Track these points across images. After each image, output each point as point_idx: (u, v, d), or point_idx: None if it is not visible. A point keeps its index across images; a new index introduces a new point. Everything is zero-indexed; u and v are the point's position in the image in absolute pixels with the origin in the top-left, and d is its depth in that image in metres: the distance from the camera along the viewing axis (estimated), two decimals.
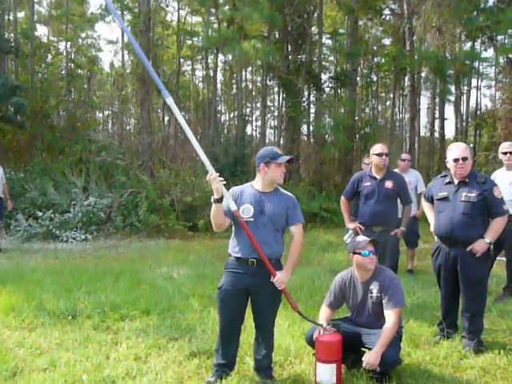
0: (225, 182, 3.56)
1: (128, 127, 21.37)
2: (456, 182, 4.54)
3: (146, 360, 4.24)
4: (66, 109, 19.60)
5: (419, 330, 4.91)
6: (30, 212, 11.96)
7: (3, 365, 4.05)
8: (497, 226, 4.43)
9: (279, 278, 3.62)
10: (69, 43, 23.27)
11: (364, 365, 3.61)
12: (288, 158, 3.74)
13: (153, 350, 4.43)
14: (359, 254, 3.92)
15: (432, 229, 4.85)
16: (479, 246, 4.36)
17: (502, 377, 3.91)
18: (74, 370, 3.97)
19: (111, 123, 22.84)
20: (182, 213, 12.49)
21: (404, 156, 7.75)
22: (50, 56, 22.57)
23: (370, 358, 3.60)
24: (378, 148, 5.65)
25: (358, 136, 20.07)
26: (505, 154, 6.19)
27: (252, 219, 3.65)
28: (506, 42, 20.30)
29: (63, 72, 22.28)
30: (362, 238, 4.06)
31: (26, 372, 3.98)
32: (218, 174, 3.55)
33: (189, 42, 24.66)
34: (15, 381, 3.82)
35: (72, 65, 22.85)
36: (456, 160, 4.46)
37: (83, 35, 25.45)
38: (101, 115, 23.84)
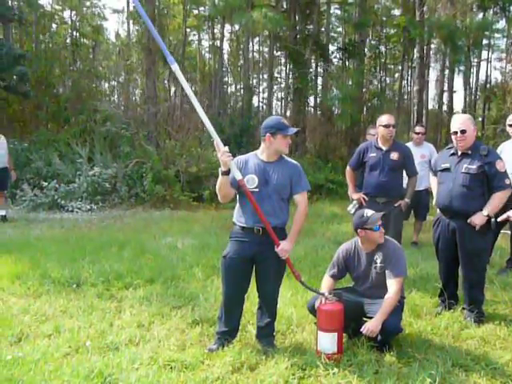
0: (232, 157, 3.55)
1: (134, 98, 21.22)
2: (459, 153, 4.49)
3: (149, 327, 4.29)
4: (71, 79, 19.47)
5: (421, 300, 4.94)
6: (35, 182, 12.02)
7: (9, 331, 4.12)
8: (497, 199, 4.35)
9: (283, 248, 3.62)
10: (73, 12, 23.01)
11: (364, 331, 3.64)
12: (295, 130, 3.72)
13: (156, 318, 4.48)
14: (370, 229, 3.90)
15: (435, 201, 4.82)
16: (477, 219, 4.31)
17: (502, 346, 3.94)
18: (77, 336, 4.03)
19: (117, 93, 22.69)
20: (187, 183, 12.50)
21: (418, 129, 7.58)
22: (54, 25, 22.35)
23: (371, 324, 3.63)
24: (385, 119, 5.57)
25: (365, 108, 19.88)
26: (511, 126, 6.11)
27: (256, 189, 3.64)
28: None
29: (68, 41, 22.09)
30: (370, 212, 3.98)
31: (31, 338, 4.05)
32: (227, 146, 3.54)
33: (195, 12, 24.32)
34: (20, 346, 3.88)
35: (77, 34, 22.63)
36: (455, 133, 4.41)
37: (88, 4, 25.14)
38: (106, 85, 23.69)
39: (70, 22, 22.96)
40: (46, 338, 4.03)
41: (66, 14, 23.84)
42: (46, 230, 8.91)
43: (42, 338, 4.05)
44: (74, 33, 22.45)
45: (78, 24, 23.39)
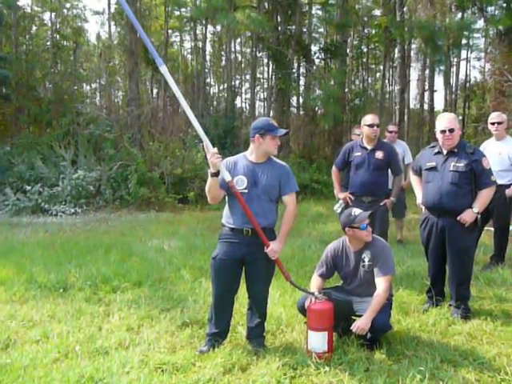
0: (221, 159, 3.56)
1: (116, 100, 21.09)
2: (445, 152, 4.55)
3: (139, 331, 4.27)
4: (53, 81, 19.28)
5: (409, 298, 4.99)
6: (18, 186, 11.90)
7: None
8: (485, 196, 4.45)
9: (273, 248, 3.64)
10: (54, 14, 22.78)
11: (354, 329, 3.66)
12: (284, 131, 3.74)
13: (145, 321, 4.46)
14: (358, 228, 3.93)
15: (419, 201, 4.87)
16: (467, 216, 4.39)
17: (488, 341, 3.99)
18: (66, 341, 4.00)
19: (99, 96, 22.52)
20: (172, 185, 12.48)
21: (391, 127, 7.66)
22: (34, 27, 22.11)
23: (361, 322, 3.66)
24: (369, 119, 5.62)
25: (347, 108, 19.99)
26: (493, 124, 6.20)
27: (246, 190, 3.65)
28: (497, 13, 20.18)
29: (48, 43, 21.87)
30: (358, 211, 4.02)
31: (18, 344, 4.01)
32: (216, 148, 3.55)
33: (177, 13, 24.23)
34: (8, 352, 3.84)
35: (57, 36, 22.42)
36: (443, 131, 4.47)
37: (68, 5, 24.91)
38: (88, 88, 23.50)
39: (50, 24, 22.72)
40: (34, 344, 4.00)
41: (46, 15, 23.62)
42: (30, 234, 8.83)
43: (30, 343, 4.01)
44: (55, 35, 22.23)
45: (58, 26, 23.16)
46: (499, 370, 3.47)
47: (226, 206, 3.82)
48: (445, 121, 4.51)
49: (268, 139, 3.65)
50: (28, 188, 11.36)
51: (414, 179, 5.03)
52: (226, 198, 3.79)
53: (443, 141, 4.49)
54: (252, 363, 3.59)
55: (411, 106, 26.55)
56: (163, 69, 3.55)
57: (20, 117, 16.54)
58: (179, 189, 12.44)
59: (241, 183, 3.65)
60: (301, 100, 21.01)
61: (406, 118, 20.98)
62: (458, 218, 4.40)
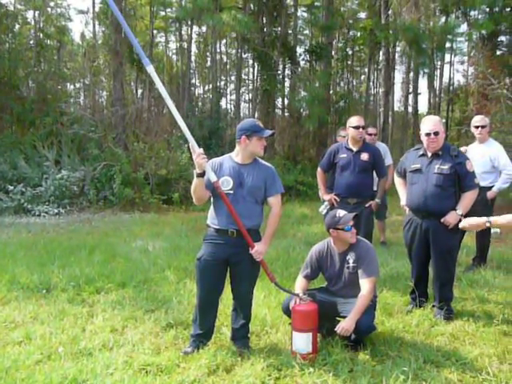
0: (207, 159, 3.55)
1: (100, 100, 20.92)
2: (429, 154, 4.60)
3: (123, 332, 4.25)
4: (36, 80, 19.08)
5: (392, 299, 5.03)
6: (0, 186, 11.74)
7: None
8: (468, 198, 4.51)
9: (257, 250, 3.65)
10: (37, 12, 22.54)
11: (339, 330, 3.68)
12: (270, 132, 3.74)
13: (129, 322, 4.44)
14: (342, 229, 3.95)
15: (402, 203, 4.91)
16: (451, 218, 4.43)
17: (470, 342, 4.04)
18: (49, 342, 3.96)
19: (83, 95, 22.33)
20: (156, 186, 12.43)
21: (370, 130, 7.68)
22: (17, 25, 21.85)
23: (345, 324, 3.67)
24: (354, 121, 5.65)
25: (332, 110, 20.08)
26: (476, 127, 6.27)
27: (231, 191, 3.66)
28: (480, 17, 20.43)
29: (32, 42, 21.64)
30: (342, 213, 4.04)
31: (0, 345, 3.95)
32: (202, 148, 3.56)
33: (162, 13, 24.14)
34: None
35: (41, 35, 22.18)
36: (428, 134, 4.52)
37: (52, 4, 24.67)
38: (72, 87, 23.28)
39: (33, 23, 22.48)
40: (17, 346, 3.95)
41: (30, 14, 23.37)
42: (12, 234, 8.73)
43: (13, 345, 3.96)
44: (39, 33, 21.99)
45: (42, 24, 22.92)
46: (481, 371, 3.51)
47: (211, 206, 3.81)
48: (430, 123, 4.56)
49: (254, 140, 3.66)
50: (10, 188, 11.23)
51: (397, 181, 5.07)
52: (212, 198, 3.79)
53: (428, 143, 4.54)
54: (236, 364, 3.59)
55: (395, 108, 26.86)
56: (150, 68, 3.54)
57: (3, 116, 16.34)
58: (164, 190, 12.40)
59: (226, 184, 3.65)
60: (286, 101, 21.06)
61: (390, 120, 21.15)
62: (442, 220, 4.44)
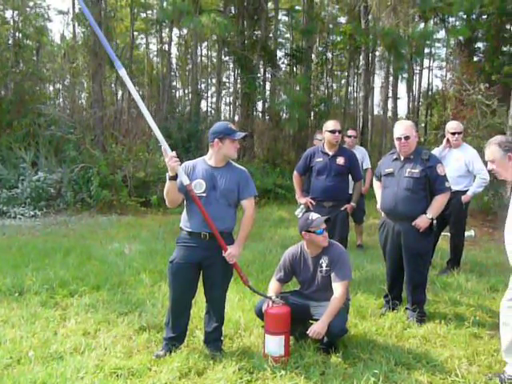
0: (179, 163, 3.54)
1: (80, 101, 20.71)
2: (402, 158, 4.65)
3: (95, 335, 4.23)
4: (14, 81, 18.83)
5: (366, 302, 5.06)
6: None
7: None
8: (439, 202, 4.56)
9: (230, 252, 3.65)
10: (16, 12, 22.27)
11: (311, 333, 3.70)
12: (243, 134, 3.75)
13: (102, 325, 4.41)
14: (313, 232, 3.97)
15: (379, 206, 4.96)
16: (421, 222, 4.49)
17: (441, 344, 4.10)
18: (19, 346, 3.92)
19: (62, 97, 22.10)
20: (134, 188, 12.32)
21: (350, 132, 7.76)
22: None
23: (317, 326, 3.69)
24: (330, 125, 5.68)
25: (312, 113, 20.16)
26: (453, 134, 6.33)
27: (204, 194, 3.66)
28: (457, 23, 20.72)
29: (10, 42, 21.37)
30: (315, 216, 4.07)
31: None
32: (174, 152, 3.55)
33: (143, 15, 24.06)
34: None
35: (20, 35, 21.92)
36: (399, 138, 4.58)
37: (31, 4, 24.41)
38: (51, 88, 23.02)
39: (12, 23, 22.19)
40: None
41: (8, 13, 23.07)
42: None
43: None
44: (17, 33, 21.72)
45: (20, 24, 22.64)
46: (450, 372, 3.57)
47: (184, 209, 3.81)
48: (401, 128, 4.62)
49: (227, 143, 3.67)
50: None
51: (375, 184, 5.14)
52: (185, 201, 3.78)
53: (399, 147, 4.61)
54: (208, 367, 3.59)
55: (375, 112, 27.04)
56: (122, 72, 3.55)
57: None
58: (142, 192, 12.30)
59: (199, 187, 3.66)
60: (266, 105, 21.10)
61: (369, 124, 21.30)
62: (413, 224, 4.49)
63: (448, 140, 6.36)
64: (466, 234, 7.21)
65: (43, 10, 24.84)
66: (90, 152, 12.73)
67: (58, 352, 3.82)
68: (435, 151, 6.35)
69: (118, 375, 3.45)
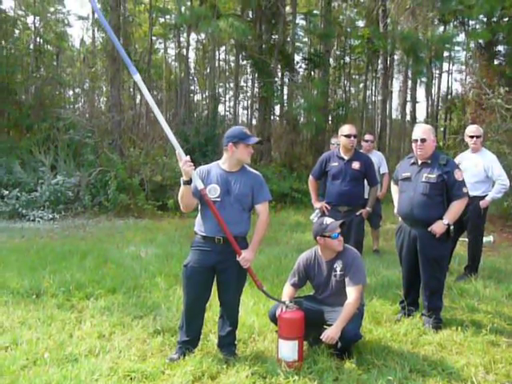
0: (194, 167, 3.56)
1: (98, 105, 20.93)
2: (419, 162, 4.61)
3: (110, 338, 4.25)
4: (34, 85, 19.11)
5: (382, 308, 5.02)
6: None
7: None
8: (456, 208, 4.49)
9: (244, 257, 3.65)
10: (37, 18, 22.61)
11: (324, 338, 3.68)
12: (257, 139, 3.76)
13: (117, 328, 4.44)
14: (329, 237, 3.95)
15: (395, 211, 4.92)
16: (437, 227, 4.43)
17: (458, 352, 4.04)
18: (36, 348, 3.96)
19: (81, 101, 22.36)
20: (151, 192, 12.41)
21: (367, 137, 7.69)
22: (16, 30, 21.91)
23: (331, 331, 3.67)
24: (346, 129, 5.66)
25: (330, 117, 20.11)
26: (471, 137, 6.28)
27: (218, 199, 3.67)
28: (477, 26, 20.50)
29: (31, 47, 21.70)
30: (329, 220, 4.05)
31: None
32: (188, 156, 3.56)
33: (161, 20, 24.22)
34: None
35: (40, 40, 22.25)
36: (415, 140, 4.54)
37: (52, 10, 24.75)
38: (70, 93, 23.32)
39: (33, 28, 22.54)
40: (3, 351, 3.95)
41: (30, 19, 23.43)
42: (5, 239, 8.71)
43: None
44: (38, 39, 22.05)
45: (41, 30, 22.98)
46: (466, 380, 3.52)
47: (199, 214, 3.82)
48: (419, 130, 4.59)
49: (241, 148, 3.67)
50: (6, 193, 11.21)
51: (393, 189, 5.10)
52: (199, 206, 3.80)
53: (415, 150, 4.57)
54: (222, 372, 3.59)
55: (393, 116, 26.86)
56: (137, 77, 3.57)
57: (0, 120, 16.35)
58: (159, 196, 12.38)
59: (214, 192, 3.67)
60: (284, 109, 21.10)
61: (387, 128, 21.19)
62: (429, 229, 4.44)
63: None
64: (485, 239, 7.10)
65: (63, 16, 25.16)
66: (108, 156, 12.85)
67: (73, 354, 3.85)
68: (459, 157, 6.34)
69: (131, 378, 3.47)
